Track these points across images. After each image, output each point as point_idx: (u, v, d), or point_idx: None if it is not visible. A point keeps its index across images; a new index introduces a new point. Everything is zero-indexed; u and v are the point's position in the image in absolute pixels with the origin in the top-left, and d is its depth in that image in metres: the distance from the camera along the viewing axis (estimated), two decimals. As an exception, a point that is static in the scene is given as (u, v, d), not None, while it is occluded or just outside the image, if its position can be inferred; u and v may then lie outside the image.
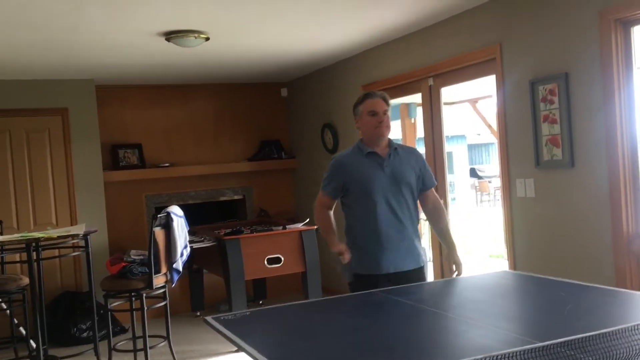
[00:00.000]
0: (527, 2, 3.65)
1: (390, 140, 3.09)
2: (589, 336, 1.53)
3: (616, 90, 3.17)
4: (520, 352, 1.47)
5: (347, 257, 2.95)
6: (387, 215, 2.97)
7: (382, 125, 2.98)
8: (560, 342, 1.52)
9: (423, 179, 3.10)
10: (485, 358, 1.43)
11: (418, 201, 3.14)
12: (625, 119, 3.18)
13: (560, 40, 3.46)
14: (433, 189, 3.17)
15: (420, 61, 4.63)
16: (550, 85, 3.52)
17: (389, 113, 3.06)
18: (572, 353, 1.52)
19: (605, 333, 1.55)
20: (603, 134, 3.24)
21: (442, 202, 3.25)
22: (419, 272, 3.05)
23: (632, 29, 3.17)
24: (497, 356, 1.43)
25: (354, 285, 3.02)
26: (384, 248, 2.96)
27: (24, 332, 4.74)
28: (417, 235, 3.11)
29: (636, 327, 1.59)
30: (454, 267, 3.06)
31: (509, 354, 1.45)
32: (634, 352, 1.56)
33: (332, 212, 3.16)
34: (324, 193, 3.12)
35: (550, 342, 1.51)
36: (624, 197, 3.17)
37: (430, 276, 4.68)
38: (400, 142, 5.53)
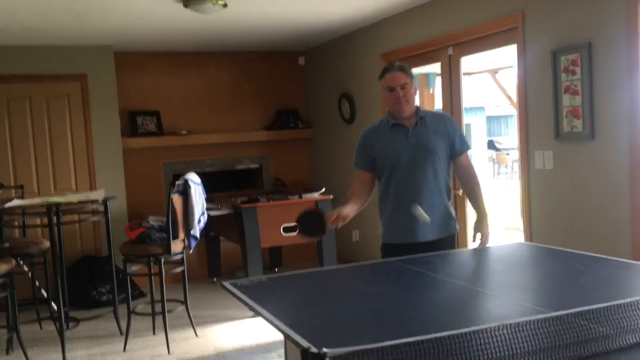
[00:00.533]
0: (552, -31, 3.57)
1: (417, 109, 3.04)
2: (602, 307, 1.54)
3: (641, 61, 3.11)
4: (533, 321, 1.48)
5: (336, 222, 2.87)
6: (413, 184, 2.95)
7: (399, 101, 2.95)
8: (574, 313, 1.53)
9: (453, 145, 3.03)
10: (499, 326, 1.44)
11: (451, 168, 3.10)
12: (649, 91, 3.12)
13: (584, 9, 3.38)
14: (467, 155, 3.10)
15: (439, 30, 4.57)
16: (572, 56, 3.45)
17: (411, 83, 2.99)
18: (585, 323, 1.53)
19: (618, 305, 1.56)
20: (626, 107, 3.19)
21: (475, 169, 3.14)
22: (451, 240, 3.05)
23: (659, -2, 3.09)
24: (510, 324, 1.45)
25: (386, 254, 3.02)
26: (413, 218, 2.93)
27: (45, 294, 4.86)
28: (449, 203, 3.07)
29: (651, 299, 1.59)
30: (479, 235, 2.98)
31: (523, 322, 1.47)
32: (648, 324, 1.56)
33: (366, 188, 3.09)
34: (355, 167, 3.14)
35: (563, 312, 1.52)
36: (644, 171, 3.13)
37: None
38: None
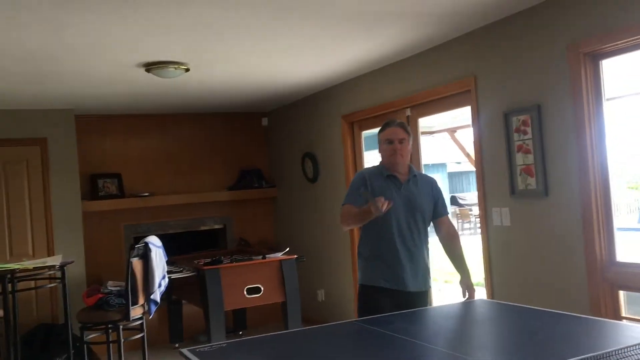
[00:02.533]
0: (501, 35, 3.76)
1: (411, 167, 3.26)
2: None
3: (587, 121, 3.25)
4: (490, 382, 1.48)
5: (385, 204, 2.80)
6: (399, 236, 3.10)
7: (396, 153, 3.15)
8: (530, 372, 1.54)
9: (437, 207, 3.25)
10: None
11: (432, 228, 3.29)
12: (596, 149, 3.25)
13: (532, 73, 3.55)
14: (448, 217, 3.32)
15: (398, 92, 4.72)
16: (523, 117, 3.60)
17: (408, 140, 3.20)
18: (542, 382, 1.54)
19: (573, 362, 1.57)
20: (575, 164, 3.31)
21: (456, 229, 3.38)
22: (426, 294, 3.21)
23: (600, 62, 3.27)
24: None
25: (366, 297, 3.11)
26: (404, 266, 3.09)
27: (-3, 366, 4.64)
28: (427, 260, 3.23)
29: (603, 356, 1.61)
30: (466, 292, 3.14)
31: (479, 384, 1.47)
32: (602, 381, 1.58)
33: None
34: (348, 204, 3.12)
35: (519, 372, 1.53)
36: (596, 226, 3.23)
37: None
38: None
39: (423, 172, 4.78)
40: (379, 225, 3.08)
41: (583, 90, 3.25)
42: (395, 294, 3.05)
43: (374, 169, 3.29)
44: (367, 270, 3.17)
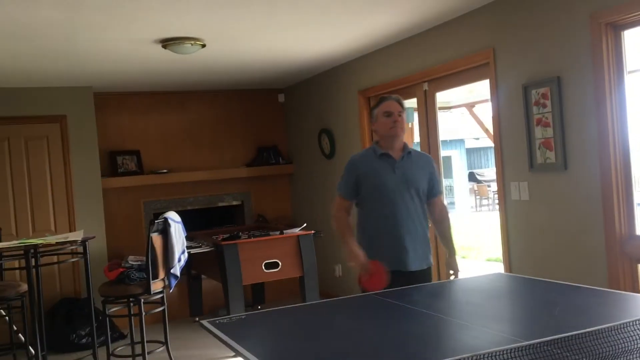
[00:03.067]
0: (520, 6, 3.69)
1: (405, 144, 3.20)
2: (574, 335, 1.56)
3: (607, 93, 3.20)
4: (506, 350, 1.50)
5: (366, 273, 2.95)
6: (400, 215, 3.05)
7: (396, 125, 3.10)
8: (546, 341, 1.54)
9: (432, 185, 3.21)
10: (472, 357, 1.45)
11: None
12: (617, 122, 3.21)
13: (553, 44, 3.49)
14: (441, 197, 3.29)
15: (415, 66, 4.67)
16: (542, 89, 3.55)
17: (404, 116, 3.16)
18: (559, 351, 1.55)
19: (590, 332, 1.58)
20: (595, 137, 3.27)
21: (447, 211, 3.33)
22: (425, 273, 3.15)
23: (622, 32, 3.21)
24: (483, 355, 1.46)
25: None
26: (395, 247, 3.05)
27: (23, 338, 4.76)
28: (427, 237, 3.18)
29: (621, 326, 1.62)
30: (451, 272, 3.15)
31: (496, 352, 1.48)
32: (619, 351, 1.58)
33: (350, 217, 3.17)
34: (339, 194, 3.19)
35: (536, 341, 1.54)
36: (616, 199, 3.20)
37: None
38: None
39: (440, 149, 4.78)
40: (377, 205, 3.06)
41: (604, 61, 3.20)
42: (396, 275, 2.97)
43: (364, 151, 3.25)
44: (371, 252, 3.07)
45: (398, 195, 3.05)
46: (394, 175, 3.08)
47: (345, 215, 3.15)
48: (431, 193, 3.20)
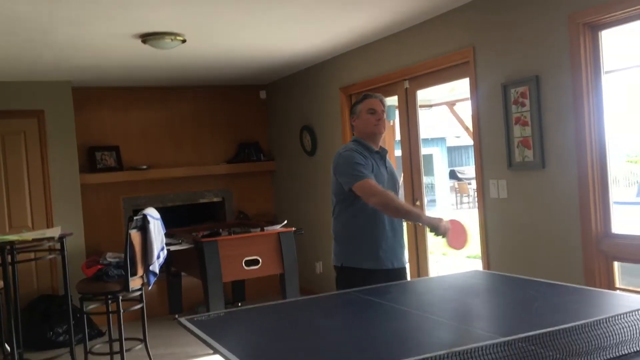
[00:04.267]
0: (500, 6, 3.72)
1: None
2: (548, 332, 1.57)
3: (585, 93, 3.24)
4: (482, 347, 1.51)
5: (450, 233, 2.89)
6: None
7: (380, 123, 3.10)
8: (521, 338, 1.56)
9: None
10: (448, 353, 1.46)
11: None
12: (594, 121, 3.25)
13: (532, 44, 3.52)
14: None
15: (396, 64, 4.69)
16: (521, 88, 3.58)
17: (384, 116, 3.16)
18: (534, 348, 1.56)
19: (564, 329, 1.60)
20: (573, 136, 3.31)
21: None
22: (404, 271, 3.17)
23: (600, 32, 3.25)
24: (459, 351, 1.47)
25: (343, 281, 3.04)
26: (387, 244, 3.04)
27: (-2, 336, 4.69)
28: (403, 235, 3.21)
29: (594, 323, 1.64)
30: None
31: (471, 349, 1.49)
32: (593, 347, 1.60)
33: None
34: (367, 179, 2.91)
35: (511, 338, 1.55)
36: (592, 198, 3.24)
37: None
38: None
39: (421, 146, 4.79)
40: (367, 204, 2.98)
41: (582, 61, 3.24)
42: (379, 273, 2.95)
43: (355, 146, 3.08)
44: (349, 252, 3.04)
45: None
46: (386, 173, 3.10)
47: (383, 189, 2.96)
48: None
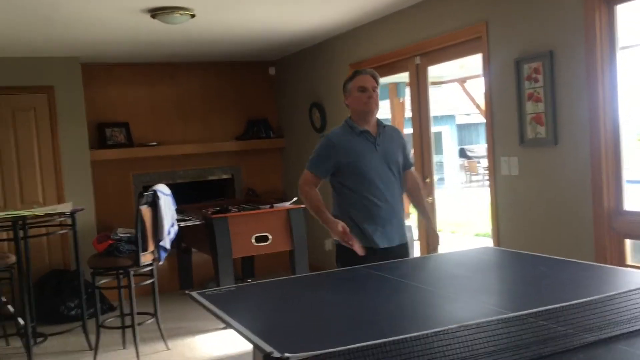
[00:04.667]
0: (513, -20, 3.66)
1: (378, 119, 3.13)
2: (560, 307, 1.57)
3: (599, 69, 3.19)
4: (494, 321, 1.51)
5: (353, 241, 2.89)
6: (379, 192, 3.01)
7: (370, 101, 3.01)
8: (533, 313, 1.56)
9: (406, 157, 3.19)
10: (459, 327, 1.46)
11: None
12: (608, 98, 3.21)
13: (546, 19, 3.47)
14: (412, 168, 3.27)
15: (407, 39, 4.63)
16: (535, 64, 3.54)
17: (378, 91, 3.09)
18: (545, 323, 1.56)
19: (576, 304, 1.59)
20: (586, 113, 3.27)
21: (419, 179, 3.31)
22: (405, 248, 3.12)
23: (615, 7, 3.19)
24: (471, 325, 1.47)
25: (343, 259, 3.03)
26: (377, 224, 3.01)
27: (11, 309, 4.76)
28: (403, 212, 3.18)
29: (607, 299, 1.63)
30: (431, 238, 3.20)
31: (483, 323, 1.49)
32: (605, 323, 1.60)
33: (317, 191, 3.14)
34: (312, 172, 3.09)
35: (522, 313, 1.55)
36: (605, 175, 3.21)
37: (416, 253, 4.75)
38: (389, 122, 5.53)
39: (432, 124, 4.76)
40: (358, 186, 2.99)
41: (597, 37, 3.18)
42: (379, 251, 2.96)
43: (341, 129, 3.10)
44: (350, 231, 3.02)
45: (380, 174, 3.01)
46: (376, 153, 3.02)
47: (315, 191, 3.09)
48: (407, 164, 3.18)
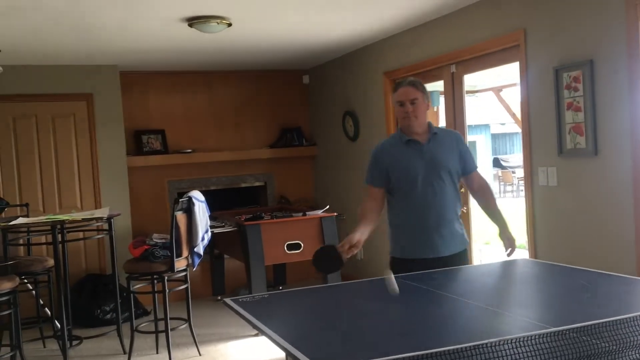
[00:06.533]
0: (553, -13, 3.60)
1: (430, 125, 3.07)
2: (605, 322, 1.52)
3: (642, 77, 3.11)
4: (535, 336, 1.47)
5: (350, 251, 2.81)
6: (428, 201, 2.96)
7: (408, 115, 2.97)
8: (576, 328, 1.51)
9: (465, 163, 3.07)
10: (500, 341, 1.43)
11: (463, 184, 3.15)
12: (651, 107, 3.12)
13: (586, 26, 3.40)
14: (477, 171, 3.15)
15: (442, 48, 4.59)
16: (574, 73, 3.46)
17: (422, 99, 3.00)
18: (588, 339, 1.51)
19: (621, 320, 1.54)
20: (628, 123, 3.19)
21: (488, 182, 3.20)
22: (462, 255, 3.06)
23: (660, 15, 3.11)
24: (512, 339, 1.43)
25: (396, 268, 2.97)
26: (431, 233, 2.96)
27: (49, 312, 4.86)
28: (459, 219, 3.08)
29: (653, 314, 1.58)
30: (506, 242, 3.03)
31: (524, 337, 1.45)
32: (651, 339, 1.54)
33: (377, 205, 3.05)
34: (368, 183, 3.11)
35: (565, 327, 1.51)
36: (648, 187, 3.12)
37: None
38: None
39: (467, 133, 4.69)
40: (406, 195, 2.96)
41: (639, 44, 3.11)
42: (430, 262, 2.91)
43: (391, 139, 3.14)
44: (398, 242, 3.04)
45: (430, 181, 2.95)
46: (422, 161, 2.97)
47: (370, 203, 3.03)
48: (466, 170, 3.08)
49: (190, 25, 4.23)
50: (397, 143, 3.05)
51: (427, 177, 2.96)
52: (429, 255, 2.95)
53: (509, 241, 3.02)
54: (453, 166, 3.02)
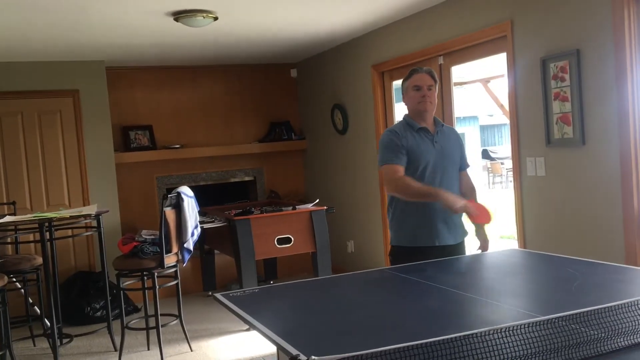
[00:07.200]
0: (539, -22, 3.60)
1: (436, 118, 3.14)
2: (593, 310, 1.53)
3: (629, 67, 3.13)
4: (524, 325, 1.47)
5: (472, 213, 2.89)
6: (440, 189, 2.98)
7: (425, 99, 3.02)
8: (564, 316, 1.52)
9: (462, 158, 3.20)
10: (489, 331, 1.43)
11: None
12: (638, 97, 3.14)
13: (572, 16, 3.41)
14: (467, 169, 3.26)
15: (430, 39, 4.59)
16: (561, 63, 3.48)
17: (436, 89, 3.08)
18: (576, 327, 1.52)
19: (609, 307, 1.55)
20: (615, 112, 3.20)
21: (474, 184, 3.28)
22: (462, 246, 3.14)
23: (645, 4, 3.12)
24: (501, 329, 1.44)
25: (400, 257, 2.99)
26: (438, 221, 2.99)
27: (38, 311, 4.82)
28: None
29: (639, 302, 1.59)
30: (482, 243, 3.12)
31: (513, 327, 1.46)
32: (639, 327, 1.55)
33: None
34: (395, 163, 2.96)
35: (554, 316, 1.51)
36: (635, 176, 3.14)
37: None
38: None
39: (455, 125, 4.71)
40: (417, 179, 2.97)
41: (626, 34, 3.12)
42: (434, 250, 2.95)
43: (400, 125, 3.12)
44: (403, 229, 3.05)
45: (440, 170, 3.02)
46: (434, 150, 3.03)
47: (408, 177, 2.96)
48: (462, 166, 3.19)
49: (176, 20, 4.19)
50: (408, 129, 3.06)
51: (436, 165, 3.02)
52: (435, 243, 2.99)
53: (484, 242, 3.11)
54: (456, 159, 3.14)
